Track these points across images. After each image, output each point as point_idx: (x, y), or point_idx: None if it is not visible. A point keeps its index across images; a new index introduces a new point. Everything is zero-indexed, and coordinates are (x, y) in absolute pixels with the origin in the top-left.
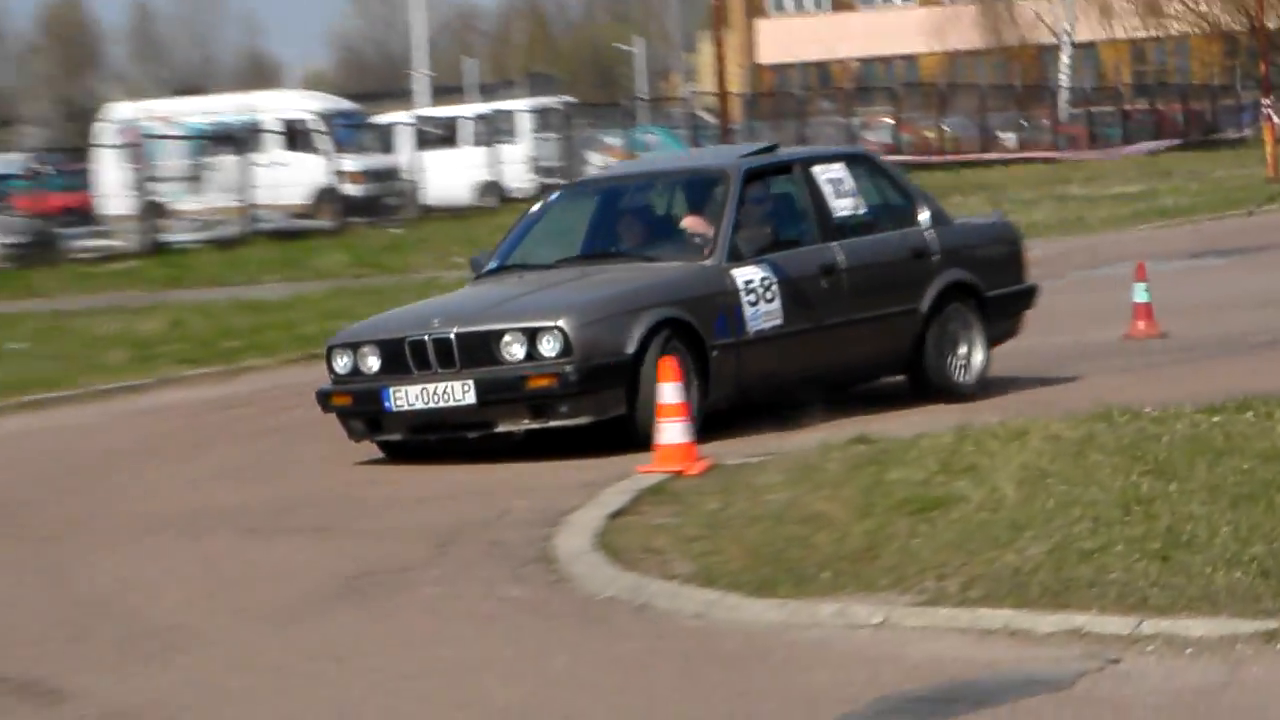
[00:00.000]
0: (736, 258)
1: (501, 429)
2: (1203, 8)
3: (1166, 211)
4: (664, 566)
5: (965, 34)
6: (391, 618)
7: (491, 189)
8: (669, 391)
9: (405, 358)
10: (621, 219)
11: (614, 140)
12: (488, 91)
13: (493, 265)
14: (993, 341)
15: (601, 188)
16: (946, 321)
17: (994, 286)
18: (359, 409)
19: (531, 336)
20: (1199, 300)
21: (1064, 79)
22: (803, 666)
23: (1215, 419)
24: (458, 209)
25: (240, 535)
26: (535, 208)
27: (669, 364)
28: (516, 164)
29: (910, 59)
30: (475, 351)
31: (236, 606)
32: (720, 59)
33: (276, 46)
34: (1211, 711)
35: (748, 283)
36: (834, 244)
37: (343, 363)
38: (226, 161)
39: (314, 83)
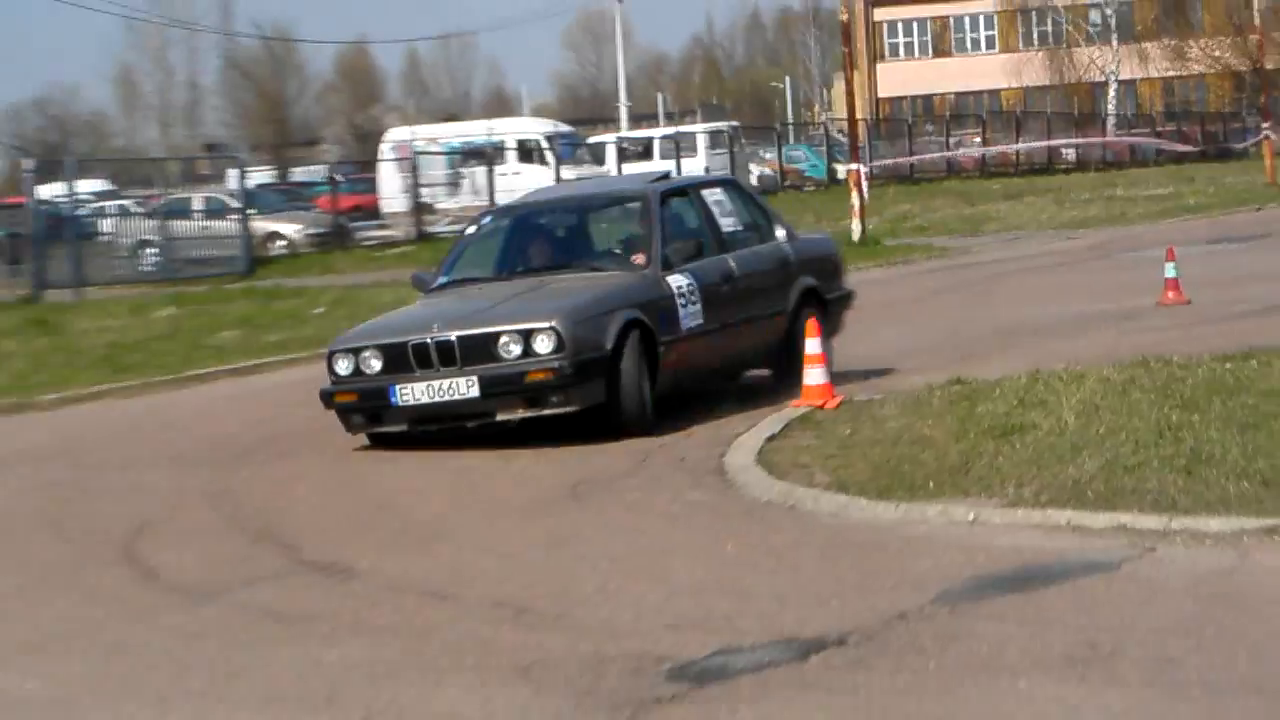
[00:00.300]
0: (668, 268)
1: (500, 418)
2: (1216, 53)
3: (1190, 208)
4: (808, 477)
5: (1036, 74)
6: (602, 515)
7: None
8: (812, 345)
9: (408, 359)
10: (558, 237)
11: (769, 155)
12: (672, 118)
13: (443, 280)
14: (828, 337)
15: (528, 211)
16: (803, 321)
17: (830, 291)
18: (364, 405)
19: (527, 336)
20: (1217, 276)
21: (1111, 108)
22: (913, 553)
23: (1228, 365)
24: None
25: (488, 453)
26: (470, 230)
27: (812, 323)
28: (696, 173)
29: (994, 93)
30: (475, 351)
31: (484, 506)
32: (850, 93)
33: (513, 84)
34: (1224, 587)
35: (679, 288)
36: (728, 255)
37: (344, 365)
38: (476, 171)
39: (541, 111)
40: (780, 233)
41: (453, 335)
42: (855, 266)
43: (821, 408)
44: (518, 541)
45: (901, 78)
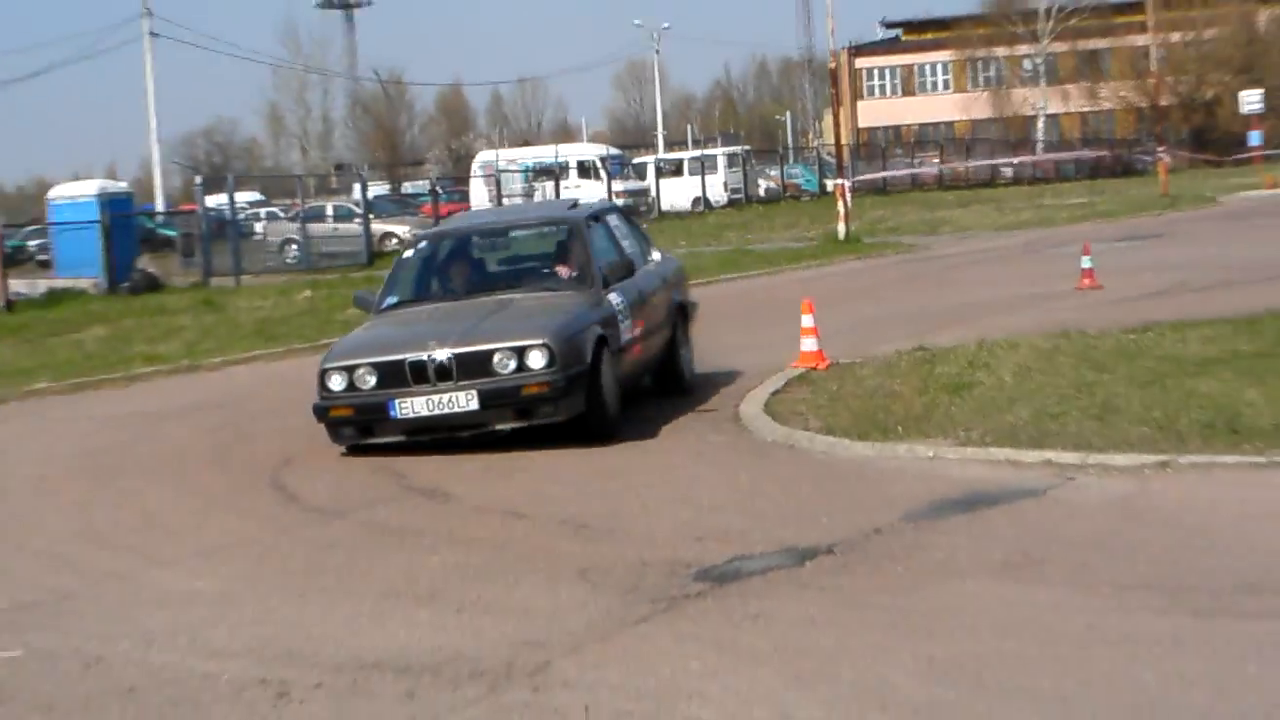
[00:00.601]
0: (605, 286)
1: (494, 427)
2: (1122, 93)
3: (1102, 214)
4: (804, 423)
5: (981, 109)
6: (644, 454)
7: (700, 201)
8: (806, 320)
9: (404, 375)
10: (499, 259)
11: (774, 172)
12: (698, 144)
13: (392, 300)
14: (687, 338)
15: (462, 236)
16: (678, 331)
17: (688, 301)
18: (360, 418)
19: (521, 352)
20: (1123, 267)
21: (1040, 136)
22: (886, 482)
23: (1132, 336)
24: (681, 213)
25: None
26: (407, 253)
27: (808, 303)
28: (716, 187)
29: (949, 124)
30: (471, 367)
31: (552, 447)
32: (836, 124)
33: (575, 116)
34: (1128, 508)
35: (616, 305)
36: (635, 275)
37: (338, 381)
38: (546, 185)
39: (596, 138)
40: (655, 254)
41: (450, 352)
42: (841, 259)
43: (814, 369)
44: (579, 474)
45: (877, 112)
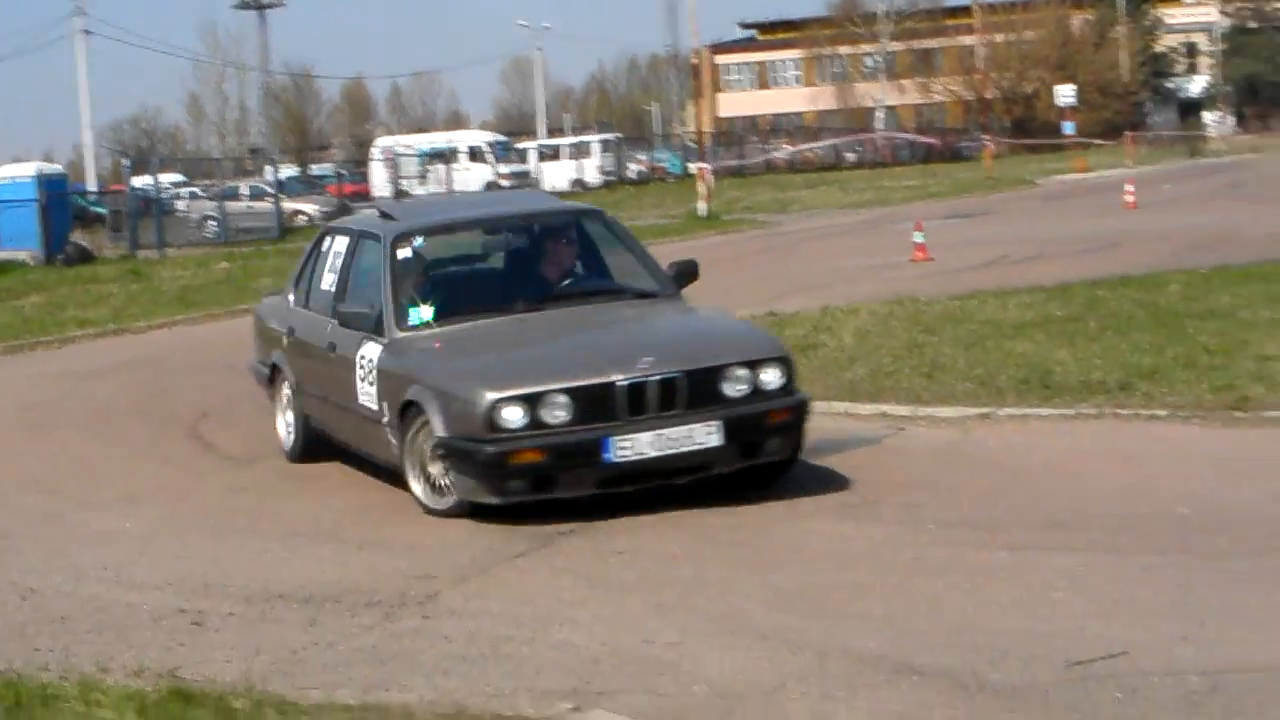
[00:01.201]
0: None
1: (716, 471)
2: (952, 87)
3: (933, 194)
4: None
5: (828, 101)
6: None
7: (577, 183)
8: None
9: (613, 403)
10: (527, 260)
11: (643, 157)
12: (576, 131)
13: (422, 317)
14: None
15: (466, 231)
16: None
17: None
18: (553, 465)
19: (754, 368)
20: (951, 241)
21: (880, 126)
22: None
23: (957, 302)
24: (559, 193)
25: None
26: (402, 253)
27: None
28: (592, 170)
29: (799, 114)
30: (702, 390)
31: None
32: (699, 114)
33: (465, 107)
34: (953, 453)
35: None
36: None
37: (517, 415)
38: (439, 168)
39: (485, 127)
40: None
41: (680, 370)
42: (702, 234)
43: None
44: None
45: (735, 104)
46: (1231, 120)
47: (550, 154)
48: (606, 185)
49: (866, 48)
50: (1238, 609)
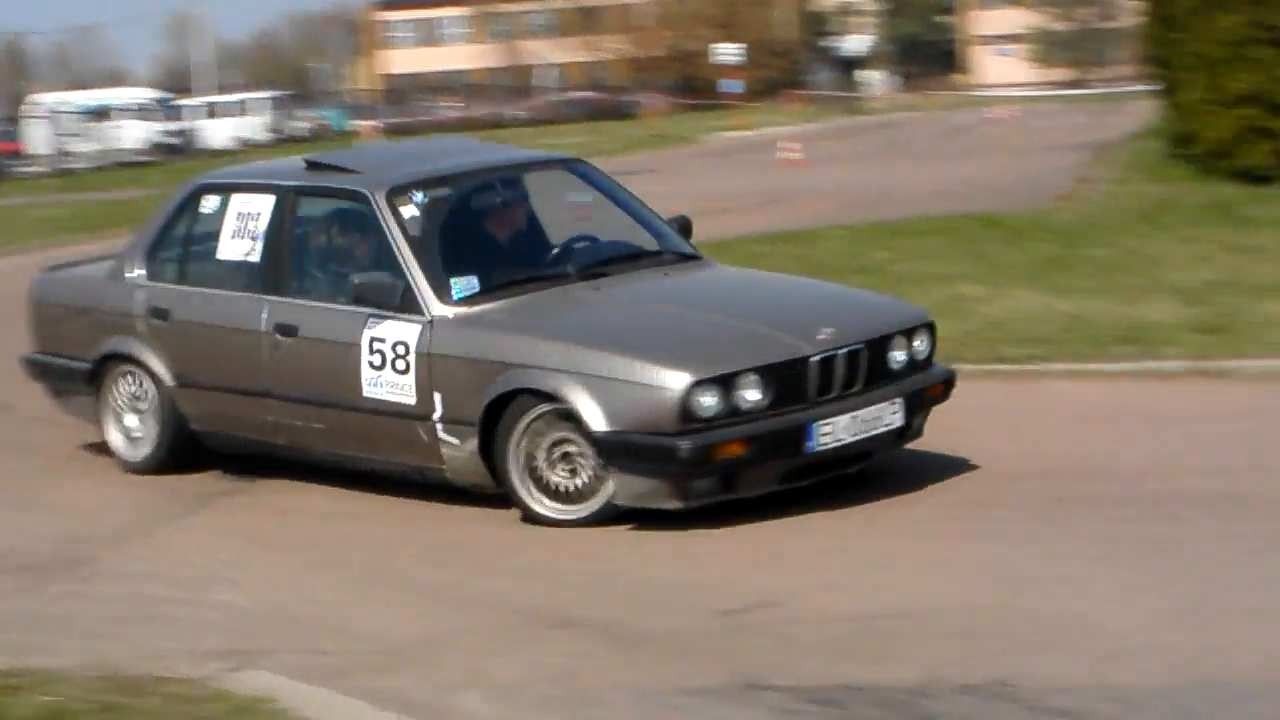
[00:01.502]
0: None
1: (874, 457)
2: (619, 46)
3: (600, 151)
4: None
5: (497, 59)
6: None
7: (243, 141)
8: None
9: (805, 382)
10: (536, 220)
11: (310, 113)
12: (242, 89)
13: (468, 289)
14: None
15: (473, 188)
16: None
17: None
18: (753, 458)
19: (909, 337)
20: None
21: (545, 83)
22: None
23: None
24: (222, 150)
25: None
26: (408, 212)
27: None
28: (257, 127)
29: (463, 72)
30: (874, 364)
31: None
32: (366, 71)
33: (129, 64)
34: None
35: None
36: None
37: (714, 401)
38: (102, 125)
39: (150, 84)
40: None
41: (863, 340)
42: None
43: None
44: None
45: (401, 60)
46: (898, 79)
47: (212, 111)
48: (273, 144)
49: (532, 6)
50: (889, 559)
